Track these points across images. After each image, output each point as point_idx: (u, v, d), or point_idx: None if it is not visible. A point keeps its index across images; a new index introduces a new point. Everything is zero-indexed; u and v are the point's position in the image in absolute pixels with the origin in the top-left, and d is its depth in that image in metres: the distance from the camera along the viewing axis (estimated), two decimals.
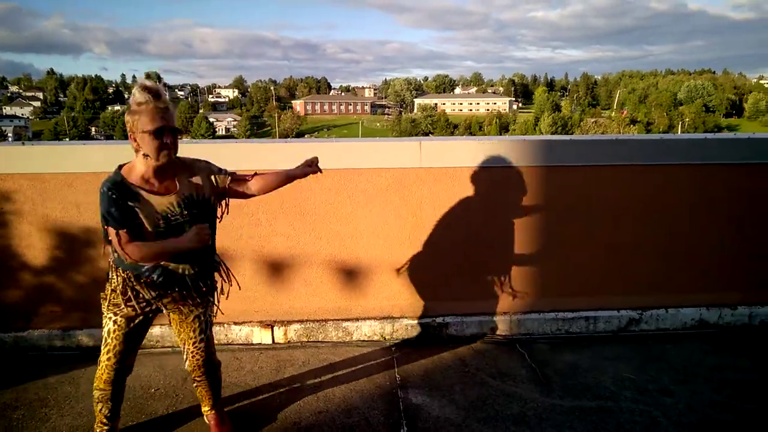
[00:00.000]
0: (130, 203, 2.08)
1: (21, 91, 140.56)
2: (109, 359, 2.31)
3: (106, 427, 2.46)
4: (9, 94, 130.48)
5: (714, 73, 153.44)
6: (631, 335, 3.69)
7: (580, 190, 3.60)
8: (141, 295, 2.24)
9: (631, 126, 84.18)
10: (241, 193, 2.39)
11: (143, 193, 2.11)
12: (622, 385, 3.04)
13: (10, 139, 78.34)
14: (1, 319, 3.52)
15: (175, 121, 2.13)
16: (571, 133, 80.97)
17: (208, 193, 2.28)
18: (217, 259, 2.45)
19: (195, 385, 2.56)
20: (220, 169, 2.35)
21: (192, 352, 2.41)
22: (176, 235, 2.15)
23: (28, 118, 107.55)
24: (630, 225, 3.66)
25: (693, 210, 3.68)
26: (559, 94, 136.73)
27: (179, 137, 2.15)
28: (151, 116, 2.04)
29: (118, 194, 2.06)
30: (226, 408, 2.78)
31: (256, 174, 2.43)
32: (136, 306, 2.24)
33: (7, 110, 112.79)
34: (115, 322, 2.27)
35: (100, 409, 2.42)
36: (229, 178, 2.34)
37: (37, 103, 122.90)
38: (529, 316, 3.70)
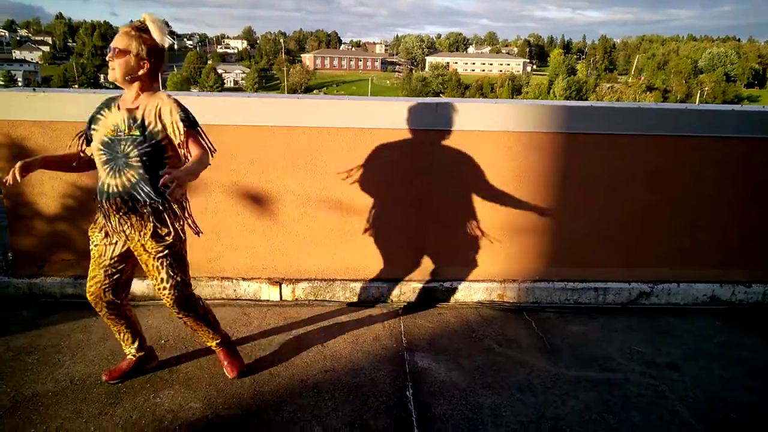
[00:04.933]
0: (97, 114, 2.36)
1: (30, 35, 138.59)
2: (89, 285, 2.50)
3: (129, 351, 2.72)
4: (18, 38, 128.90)
5: (739, 40, 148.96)
6: (641, 308, 3.67)
7: (596, 159, 3.52)
8: (100, 220, 2.44)
9: (648, 93, 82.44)
10: (182, 152, 2.32)
11: (113, 108, 2.35)
12: (629, 357, 3.04)
13: (20, 83, 77.82)
14: (15, 265, 3.55)
15: (122, 45, 2.24)
16: (586, 98, 79.44)
17: (154, 126, 2.27)
18: (147, 193, 2.31)
19: (183, 323, 2.63)
20: (185, 119, 2.29)
21: (161, 296, 2.50)
22: (120, 151, 2.29)
23: (37, 63, 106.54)
24: (644, 196, 3.59)
25: (711, 184, 3.59)
26: (575, 57, 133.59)
27: (120, 62, 2.24)
28: None
29: (98, 107, 2.39)
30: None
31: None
32: (95, 228, 2.46)
33: (17, 54, 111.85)
34: (92, 251, 2.49)
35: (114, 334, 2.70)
36: (184, 131, 2.27)
37: (46, 48, 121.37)
38: (538, 284, 3.68)
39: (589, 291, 3.68)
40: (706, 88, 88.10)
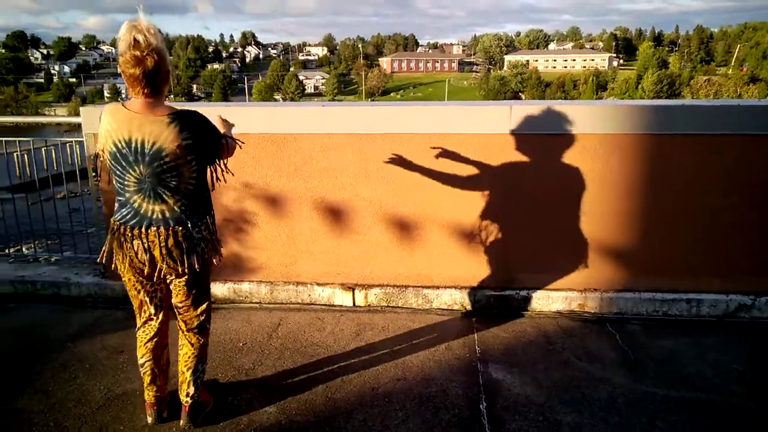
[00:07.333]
0: None
1: None
2: None
3: None
4: None
5: None
6: (740, 322, 3.35)
7: (686, 160, 3.25)
8: None
9: (751, 85, 75.60)
10: None
11: None
12: (727, 377, 2.77)
13: (123, 95, 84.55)
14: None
15: None
16: (678, 93, 74.30)
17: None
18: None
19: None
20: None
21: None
22: None
23: None
24: (744, 200, 3.28)
25: None
26: (666, 49, 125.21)
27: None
28: None
29: None
30: (306, 367, 2.88)
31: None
32: None
33: None
34: None
35: None
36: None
37: None
38: (623, 294, 3.46)
39: (680, 302, 3.41)
40: None
